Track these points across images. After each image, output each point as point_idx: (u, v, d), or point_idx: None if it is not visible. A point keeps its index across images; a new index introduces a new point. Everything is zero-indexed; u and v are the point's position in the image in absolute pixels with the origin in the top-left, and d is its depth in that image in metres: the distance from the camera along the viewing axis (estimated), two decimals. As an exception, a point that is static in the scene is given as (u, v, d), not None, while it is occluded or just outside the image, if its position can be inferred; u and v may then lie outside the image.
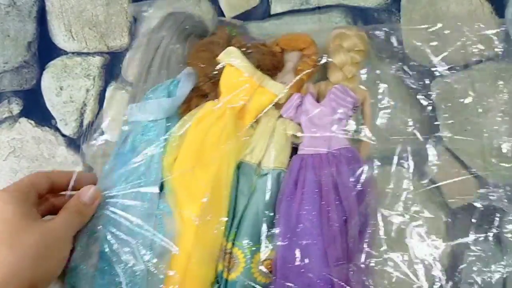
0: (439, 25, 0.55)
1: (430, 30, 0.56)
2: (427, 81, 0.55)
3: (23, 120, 0.63)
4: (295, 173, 0.51)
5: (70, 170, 0.48)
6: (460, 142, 0.54)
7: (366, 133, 0.53)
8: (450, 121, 0.55)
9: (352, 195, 0.48)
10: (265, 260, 0.48)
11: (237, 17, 0.62)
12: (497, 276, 0.51)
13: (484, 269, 0.51)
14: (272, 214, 0.50)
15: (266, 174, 0.51)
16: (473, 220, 0.52)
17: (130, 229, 0.46)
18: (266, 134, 0.53)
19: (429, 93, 0.55)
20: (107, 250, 0.46)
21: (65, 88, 0.63)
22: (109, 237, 0.46)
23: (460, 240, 0.52)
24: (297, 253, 0.47)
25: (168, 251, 0.46)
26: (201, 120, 0.51)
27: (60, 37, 0.65)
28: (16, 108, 0.64)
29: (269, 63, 0.54)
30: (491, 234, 0.52)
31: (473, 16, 0.57)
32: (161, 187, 0.49)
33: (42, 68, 0.65)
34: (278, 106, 0.54)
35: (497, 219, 0.52)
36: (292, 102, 0.53)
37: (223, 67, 0.53)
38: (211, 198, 0.48)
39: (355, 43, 0.54)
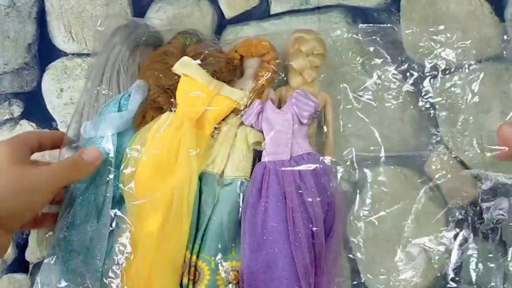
0: (440, 25, 0.55)
1: (430, 30, 0.56)
2: (427, 81, 0.56)
3: (24, 122, 0.64)
4: (259, 181, 0.50)
5: (56, 131, 0.54)
6: (460, 142, 0.54)
7: (328, 137, 0.53)
8: (450, 121, 0.55)
9: (317, 201, 0.48)
10: (231, 271, 0.48)
11: (236, 17, 0.62)
12: (497, 275, 0.51)
13: (484, 269, 0.51)
14: (236, 224, 0.49)
15: (229, 184, 0.51)
16: (473, 220, 0.53)
17: (85, 248, 0.47)
18: (227, 143, 0.52)
19: (429, 92, 0.56)
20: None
21: (66, 89, 0.63)
22: (67, 257, 0.47)
23: (460, 240, 0.52)
24: (264, 262, 0.47)
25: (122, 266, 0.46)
26: (158, 133, 0.51)
27: (60, 38, 0.65)
28: (17, 110, 0.64)
29: (226, 71, 0.53)
30: (491, 234, 0.52)
31: (473, 16, 0.57)
32: (119, 201, 0.49)
33: (42, 70, 0.65)
34: (238, 113, 0.54)
35: (497, 218, 0.52)
36: (253, 109, 0.52)
37: (178, 77, 0.53)
38: (173, 210, 0.47)
39: (313, 47, 0.53)
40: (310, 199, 0.48)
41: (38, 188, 0.43)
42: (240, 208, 0.50)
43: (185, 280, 0.47)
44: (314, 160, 0.50)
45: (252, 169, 0.52)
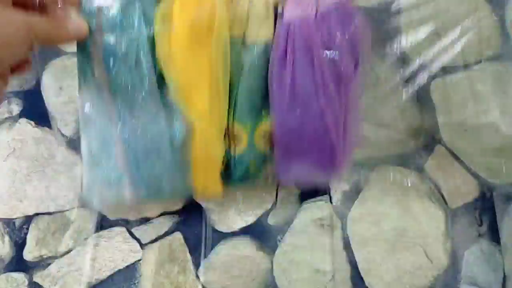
0: (440, 25, 0.56)
1: (430, 30, 0.56)
2: (427, 81, 0.56)
3: (22, 120, 0.63)
4: (283, 42, 0.46)
5: None
6: (460, 142, 0.54)
7: None
8: (450, 121, 0.55)
9: (346, 56, 0.46)
10: (266, 132, 0.48)
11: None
12: (497, 276, 0.51)
13: (484, 269, 0.51)
14: (266, 86, 0.48)
15: (252, 48, 0.48)
16: (473, 220, 0.53)
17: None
18: (244, 4, 0.48)
19: (429, 92, 0.56)
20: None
21: (65, 88, 0.63)
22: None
23: (460, 240, 0.52)
24: (295, 120, 0.47)
25: (188, 136, 0.46)
26: (184, 3, 0.46)
27: (59, 37, 0.65)
28: (16, 108, 0.64)
29: None
30: (490, 234, 0.52)
31: (473, 16, 0.57)
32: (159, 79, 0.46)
33: (41, 69, 0.64)
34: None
35: (497, 219, 0.52)
36: None
37: None
38: (215, 80, 0.46)
39: None
40: (338, 55, 0.46)
41: (15, 34, 0.37)
42: (267, 71, 0.48)
43: (227, 146, 0.48)
44: (342, 10, 0.47)
45: (275, 30, 0.48)
